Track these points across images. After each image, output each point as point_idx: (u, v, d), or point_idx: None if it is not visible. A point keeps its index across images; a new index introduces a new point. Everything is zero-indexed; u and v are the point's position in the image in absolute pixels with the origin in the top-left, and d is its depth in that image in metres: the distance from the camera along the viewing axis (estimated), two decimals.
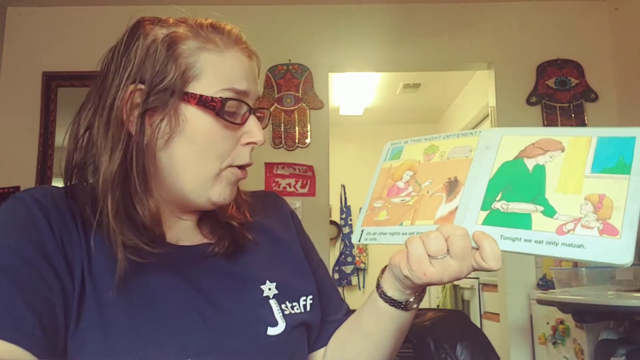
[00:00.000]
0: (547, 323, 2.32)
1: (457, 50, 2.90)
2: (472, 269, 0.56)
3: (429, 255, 0.55)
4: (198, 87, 0.62)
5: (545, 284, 2.52)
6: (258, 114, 0.68)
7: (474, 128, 3.99)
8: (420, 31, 2.91)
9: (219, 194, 0.64)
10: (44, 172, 2.74)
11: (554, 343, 2.24)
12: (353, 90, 4.24)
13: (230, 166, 0.64)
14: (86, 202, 0.61)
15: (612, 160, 0.55)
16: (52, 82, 2.81)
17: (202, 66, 0.63)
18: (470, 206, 0.59)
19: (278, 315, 0.66)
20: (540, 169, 0.58)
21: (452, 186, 0.61)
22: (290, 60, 2.82)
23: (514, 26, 2.88)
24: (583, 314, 1.84)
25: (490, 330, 3.06)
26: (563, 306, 1.90)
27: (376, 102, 4.58)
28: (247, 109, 0.65)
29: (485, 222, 0.57)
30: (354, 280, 5.00)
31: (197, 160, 0.62)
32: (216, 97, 0.62)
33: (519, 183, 0.58)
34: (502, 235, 0.55)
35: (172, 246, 0.66)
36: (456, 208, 0.59)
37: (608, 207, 0.52)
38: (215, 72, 0.63)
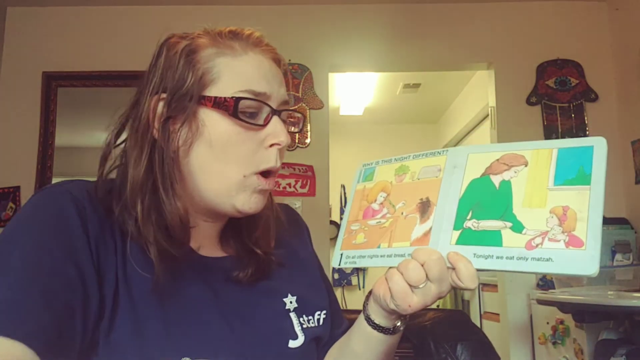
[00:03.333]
0: (547, 323, 2.32)
1: (457, 50, 2.90)
2: (450, 288, 0.58)
3: (410, 286, 0.57)
4: (214, 91, 0.62)
5: (545, 283, 2.52)
6: (290, 118, 0.68)
7: (474, 128, 4.00)
8: (420, 31, 2.91)
9: (243, 202, 0.63)
10: (44, 172, 2.74)
11: (554, 343, 2.24)
12: (353, 90, 4.24)
13: (255, 173, 0.63)
14: (118, 205, 0.61)
15: (573, 171, 0.57)
16: (52, 82, 2.81)
17: (219, 70, 0.63)
18: (444, 226, 0.60)
19: (298, 328, 0.68)
20: (506, 185, 0.59)
21: (425, 207, 0.63)
22: (290, 60, 2.82)
23: (514, 26, 2.88)
24: (583, 314, 1.84)
25: (490, 330, 3.06)
26: (563, 306, 1.90)
27: (376, 102, 4.58)
28: (269, 110, 0.64)
29: (459, 241, 0.59)
30: (354, 280, 5.00)
31: (218, 164, 0.62)
32: (229, 98, 0.62)
33: (487, 200, 0.59)
34: (475, 254, 0.57)
35: (197, 254, 0.67)
36: (430, 229, 0.61)
37: (572, 219, 0.54)
38: (232, 74, 0.63)
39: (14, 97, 2.81)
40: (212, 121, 0.62)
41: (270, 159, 0.64)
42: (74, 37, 2.86)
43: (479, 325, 3.18)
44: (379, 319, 0.63)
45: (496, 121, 2.82)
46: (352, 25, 2.91)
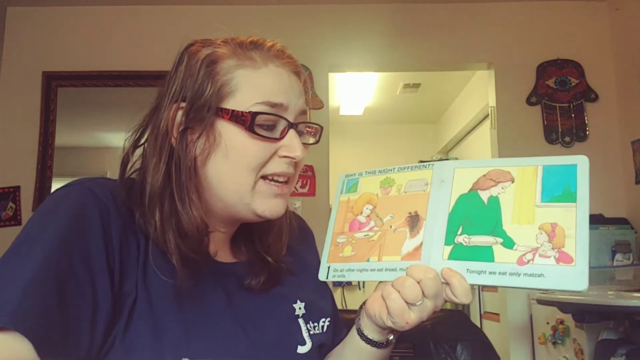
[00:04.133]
0: (547, 323, 2.31)
1: (457, 50, 2.90)
2: (444, 302, 0.60)
3: (407, 303, 0.58)
4: (232, 103, 0.63)
5: None
6: (307, 129, 0.69)
7: (474, 128, 3.99)
8: (420, 31, 2.91)
9: (263, 207, 0.65)
10: (44, 172, 2.74)
11: (554, 343, 2.24)
12: (353, 90, 4.24)
13: (264, 177, 0.65)
14: (138, 209, 0.62)
15: (559, 189, 0.59)
16: (52, 82, 2.81)
17: (238, 82, 0.64)
18: (435, 241, 0.61)
19: (305, 334, 0.70)
20: (494, 201, 0.61)
21: (414, 221, 0.64)
22: None
23: (514, 26, 2.88)
24: (583, 314, 1.84)
25: (490, 330, 3.06)
26: (563, 306, 1.90)
27: (376, 102, 4.58)
28: (286, 123, 0.65)
29: (451, 256, 0.60)
30: (354, 280, 5.00)
31: (233, 173, 0.64)
32: (246, 112, 0.62)
33: (477, 216, 0.60)
34: (468, 269, 0.58)
35: (213, 260, 0.68)
36: (421, 243, 0.62)
37: (561, 236, 0.56)
38: (250, 87, 0.64)
39: (14, 97, 2.81)
40: (229, 133, 0.63)
41: (280, 165, 0.65)
42: (74, 37, 2.86)
43: (479, 325, 3.18)
44: (372, 334, 0.65)
45: (496, 121, 2.82)
46: (352, 25, 2.91)
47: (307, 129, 0.70)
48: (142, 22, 2.86)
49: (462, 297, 0.57)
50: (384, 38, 2.89)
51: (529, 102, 2.79)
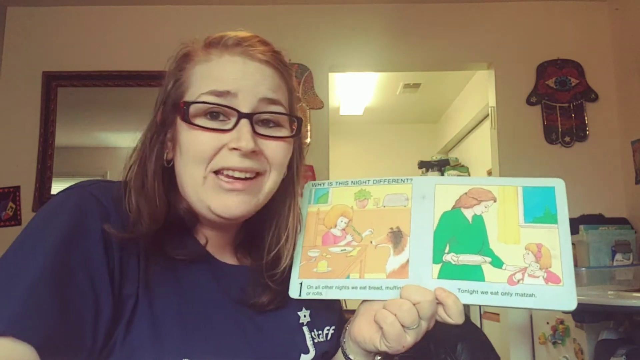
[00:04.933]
0: (547, 323, 2.31)
1: (457, 50, 2.90)
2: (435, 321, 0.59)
3: (403, 327, 0.56)
4: (186, 99, 0.63)
5: None
6: (272, 119, 0.64)
7: (474, 128, 3.99)
8: (420, 31, 2.91)
9: (214, 204, 0.62)
10: (44, 172, 2.74)
11: (554, 343, 2.24)
12: (353, 90, 4.24)
13: (217, 172, 0.62)
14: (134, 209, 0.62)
15: (540, 210, 0.61)
16: (52, 82, 2.81)
17: (194, 78, 0.64)
18: (423, 259, 0.60)
19: (309, 342, 0.68)
20: (479, 220, 0.61)
21: (397, 237, 0.62)
22: (290, 60, 2.82)
23: (514, 26, 2.88)
24: (583, 314, 1.83)
25: (490, 330, 3.06)
26: None
27: (376, 102, 4.58)
28: (235, 112, 0.62)
29: (441, 275, 0.59)
30: None
31: (185, 168, 0.63)
32: (182, 103, 0.62)
33: (463, 234, 0.61)
34: (459, 289, 0.58)
35: (216, 260, 0.67)
36: (407, 261, 0.61)
37: (547, 256, 0.58)
38: (200, 79, 0.63)
39: (14, 97, 2.81)
40: (179, 128, 0.63)
41: (227, 160, 0.61)
42: (74, 37, 2.86)
43: (479, 325, 3.18)
44: (359, 357, 0.63)
45: (496, 121, 2.82)
46: (352, 25, 2.91)
47: (272, 119, 0.65)
48: (142, 22, 2.86)
49: (456, 317, 0.57)
50: (384, 38, 2.89)
51: (529, 102, 2.78)
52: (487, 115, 3.00)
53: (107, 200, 0.60)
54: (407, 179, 0.66)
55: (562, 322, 2.18)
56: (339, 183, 0.69)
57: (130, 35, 2.84)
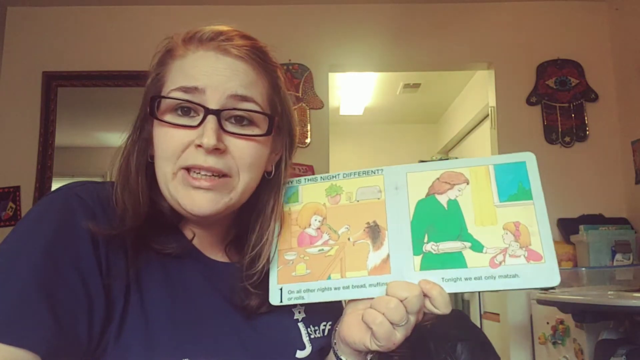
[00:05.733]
0: (547, 323, 2.31)
1: (457, 50, 2.90)
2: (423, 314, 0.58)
3: (392, 324, 0.56)
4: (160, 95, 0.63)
5: None
6: (237, 114, 0.62)
7: (474, 128, 3.99)
8: (420, 31, 2.91)
9: (183, 200, 0.61)
10: (44, 172, 2.74)
11: (554, 343, 2.24)
12: (353, 90, 4.24)
13: (181, 169, 0.61)
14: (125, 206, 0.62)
15: (513, 187, 0.59)
16: (52, 82, 2.81)
17: (170, 75, 0.63)
18: (402, 252, 0.59)
19: (305, 338, 0.68)
20: (454, 205, 0.60)
21: (375, 232, 0.61)
22: (290, 60, 2.82)
23: (514, 26, 2.88)
24: (583, 314, 1.83)
25: (490, 330, 3.06)
26: (563, 306, 1.90)
27: (376, 102, 4.58)
28: (203, 109, 0.60)
29: (423, 266, 0.58)
30: None
31: (158, 164, 0.63)
32: (150, 98, 0.62)
33: (440, 221, 0.60)
34: (443, 278, 0.57)
35: (206, 257, 0.67)
36: (388, 255, 0.59)
37: (526, 234, 0.57)
38: (174, 76, 0.63)
39: (14, 97, 2.81)
40: (154, 124, 0.63)
41: (192, 158, 0.60)
42: (74, 37, 2.86)
43: (479, 325, 3.18)
44: (351, 358, 0.63)
45: (496, 121, 2.82)
46: (352, 25, 2.91)
47: (247, 117, 0.62)
48: (142, 22, 2.86)
49: (443, 308, 0.56)
50: (384, 38, 2.89)
51: (529, 102, 2.78)
52: (487, 115, 3.00)
53: (93, 200, 0.59)
54: (377, 170, 0.64)
55: (562, 322, 2.19)
56: (308, 180, 0.66)
57: (130, 35, 2.84)
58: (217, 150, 0.60)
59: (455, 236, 0.58)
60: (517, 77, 2.81)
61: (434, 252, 0.58)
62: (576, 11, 2.86)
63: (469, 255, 0.57)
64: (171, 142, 0.60)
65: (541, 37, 2.84)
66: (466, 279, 0.56)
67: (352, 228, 0.62)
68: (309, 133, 2.82)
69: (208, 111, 0.60)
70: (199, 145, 0.59)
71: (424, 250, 0.59)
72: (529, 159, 0.60)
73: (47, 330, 0.49)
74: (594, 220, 2.51)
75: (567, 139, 2.72)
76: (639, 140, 2.56)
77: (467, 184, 0.60)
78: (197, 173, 0.60)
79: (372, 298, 0.58)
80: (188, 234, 0.67)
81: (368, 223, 0.61)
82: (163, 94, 0.62)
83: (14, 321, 0.48)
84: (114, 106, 2.83)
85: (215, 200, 0.61)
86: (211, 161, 0.59)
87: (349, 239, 0.61)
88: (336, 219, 0.63)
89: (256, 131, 0.63)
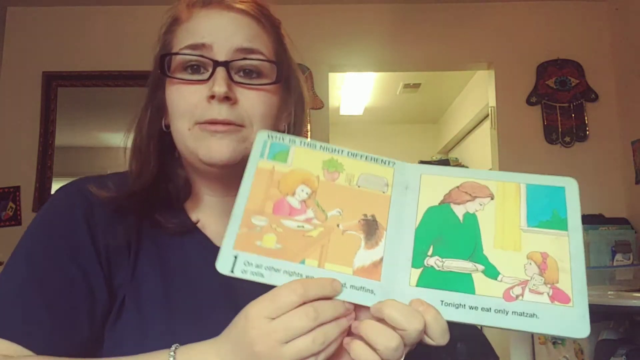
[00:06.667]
0: None
1: (457, 50, 2.90)
2: None
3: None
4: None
5: None
6: (243, 64, 0.63)
7: (474, 128, 3.99)
8: (420, 31, 2.91)
9: (202, 151, 0.61)
10: (44, 172, 2.74)
11: (554, 343, 2.24)
12: (353, 90, 4.24)
13: (197, 124, 0.62)
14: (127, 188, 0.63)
15: (547, 213, 0.52)
16: (52, 82, 2.81)
17: (177, 39, 0.65)
18: (400, 260, 0.50)
19: None
20: (472, 219, 0.52)
21: (371, 228, 0.52)
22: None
23: (514, 26, 2.88)
24: None
25: (490, 330, 3.05)
26: None
27: (376, 102, 4.58)
28: (211, 62, 0.61)
29: (420, 282, 0.49)
30: None
31: (174, 124, 0.64)
32: (160, 56, 0.63)
33: (451, 235, 0.51)
34: (443, 301, 0.48)
35: (209, 242, 0.67)
36: (381, 259, 0.50)
37: (553, 269, 0.48)
38: (181, 38, 0.64)
39: (14, 97, 2.81)
40: (166, 87, 0.65)
41: (206, 111, 0.60)
42: (74, 37, 2.86)
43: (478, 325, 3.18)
44: None
45: (496, 121, 2.82)
46: (352, 25, 2.91)
47: (254, 69, 0.63)
48: (142, 22, 2.86)
49: (438, 338, 0.46)
50: (384, 38, 2.89)
51: (529, 102, 2.78)
52: (487, 115, 3.00)
53: (95, 193, 0.60)
54: (389, 161, 0.56)
55: None
56: (305, 143, 0.56)
57: (130, 35, 2.84)
58: (229, 100, 0.60)
59: (466, 255, 0.50)
60: (517, 77, 2.81)
61: (436, 268, 0.50)
62: (576, 11, 2.86)
63: (480, 280, 0.48)
64: (184, 98, 0.62)
65: (541, 37, 2.84)
66: (471, 307, 0.47)
67: (344, 214, 0.52)
68: (309, 133, 2.82)
69: (217, 63, 0.61)
70: (212, 97, 0.60)
71: (425, 263, 0.50)
72: (570, 185, 0.53)
73: (40, 326, 0.51)
74: (594, 220, 2.51)
75: (567, 139, 2.72)
76: (639, 140, 2.56)
77: (492, 199, 0.53)
78: (213, 125, 0.61)
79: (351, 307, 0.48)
80: (193, 217, 0.68)
81: (365, 215, 0.52)
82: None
83: (9, 317, 0.51)
84: (114, 106, 2.83)
85: (232, 146, 0.61)
86: (224, 113, 0.60)
87: (338, 226, 0.52)
88: (328, 198, 0.53)
89: (265, 82, 0.64)
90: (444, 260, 0.50)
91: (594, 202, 2.61)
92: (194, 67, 0.62)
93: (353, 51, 2.91)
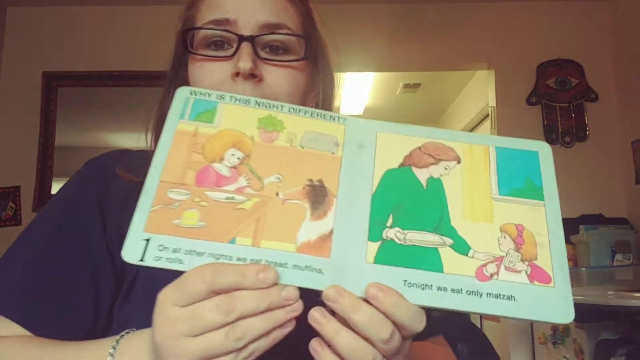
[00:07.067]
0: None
1: (457, 50, 2.90)
2: None
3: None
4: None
5: None
6: (269, 39, 0.59)
7: (474, 129, 3.99)
8: (420, 31, 2.91)
9: None
10: (44, 172, 2.74)
11: (554, 343, 2.24)
12: (353, 90, 4.24)
13: None
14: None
15: (519, 180, 0.46)
16: (52, 82, 2.81)
17: (200, 15, 0.63)
18: (353, 232, 0.43)
19: None
20: (436, 185, 0.45)
21: (319, 194, 0.44)
22: None
23: (514, 26, 2.88)
24: (583, 314, 1.84)
25: (490, 330, 3.06)
26: None
27: (376, 101, 4.58)
28: (236, 38, 0.58)
29: (379, 259, 0.41)
30: None
31: None
32: (181, 31, 0.62)
33: (414, 202, 0.44)
34: (406, 281, 0.40)
35: None
36: (331, 232, 0.42)
37: (531, 243, 0.43)
38: (204, 13, 0.62)
39: (14, 97, 2.81)
40: (189, 64, 0.63)
41: (235, 90, 0.57)
42: (74, 37, 2.86)
43: (479, 325, 3.18)
44: None
45: (496, 121, 2.82)
46: (352, 25, 2.91)
47: (280, 45, 0.60)
48: (142, 22, 2.86)
49: (409, 325, 0.38)
50: (384, 38, 2.89)
51: (529, 102, 2.79)
52: (487, 115, 3.00)
53: (114, 165, 0.60)
54: (339, 117, 0.49)
55: None
56: (237, 99, 0.48)
57: (130, 35, 2.84)
58: (254, 77, 0.57)
59: (432, 226, 0.43)
60: (517, 77, 2.81)
61: (397, 242, 0.42)
62: (576, 11, 2.87)
63: (448, 256, 0.42)
64: (207, 75, 0.59)
65: (541, 37, 2.84)
66: (440, 288, 0.40)
67: (285, 180, 0.44)
68: None
69: (242, 38, 0.58)
70: (236, 74, 0.57)
71: (384, 236, 0.43)
72: (543, 150, 0.49)
73: (40, 308, 0.52)
74: (594, 220, 2.51)
75: (567, 139, 2.72)
76: (639, 140, 2.56)
77: (458, 162, 0.47)
78: None
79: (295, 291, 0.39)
80: None
81: (311, 180, 0.44)
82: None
83: (11, 296, 0.52)
84: (114, 106, 2.83)
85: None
86: (249, 91, 0.57)
87: (277, 194, 0.43)
88: (265, 163, 0.45)
89: (292, 58, 0.61)
90: (405, 232, 0.43)
91: (594, 202, 2.61)
92: (218, 43, 0.59)
93: (353, 51, 2.91)
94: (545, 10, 2.87)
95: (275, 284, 0.38)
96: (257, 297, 0.37)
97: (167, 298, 0.37)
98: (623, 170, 2.67)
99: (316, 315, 0.38)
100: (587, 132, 2.73)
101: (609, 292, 1.85)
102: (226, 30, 0.58)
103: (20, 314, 0.51)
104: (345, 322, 0.38)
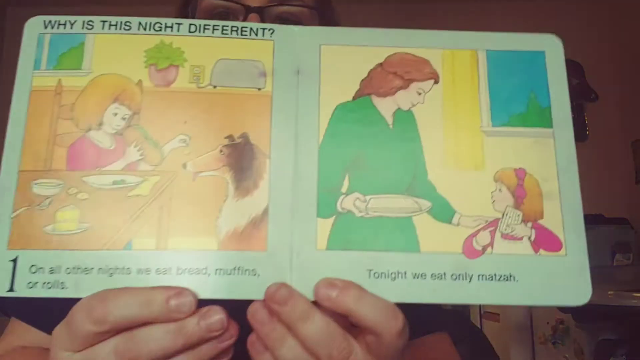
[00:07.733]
0: (547, 323, 2.32)
1: None
2: None
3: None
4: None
5: None
6: (280, 11, 0.53)
7: None
8: None
9: None
10: None
11: (554, 343, 2.24)
12: None
13: None
14: None
15: (521, 100, 0.33)
16: None
17: None
18: (297, 207, 0.30)
19: None
20: (407, 120, 0.32)
21: (244, 158, 0.31)
22: None
23: (514, 26, 2.87)
24: (583, 314, 1.84)
25: (490, 330, 3.06)
26: (563, 306, 1.90)
27: None
28: (243, 9, 0.52)
29: (332, 242, 0.30)
30: None
31: None
32: (180, 4, 0.59)
33: (377, 151, 0.31)
34: (371, 271, 0.29)
35: None
36: (265, 212, 0.30)
37: (534, 195, 0.31)
38: None
39: None
40: None
41: None
42: None
43: (479, 325, 3.18)
44: None
45: None
46: (352, 25, 2.90)
47: (291, 17, 0.54)
48: None
49: (381, 327, 0.28)
50: None
51: None
52: None
53: None
54: (263, 28, 0.34)
55: (562, 322, 2.19)
56: (112, 25, 0.33)
57: None
58: None
59: (403, 185, 0.31)
60: None
61: (357, 214, 0.30)
62: (576, 11, 2.86)
63: (426, 226, 0.30)
64: None
65: None
66: (416, 275, 0.29)
67: (193, 143, 0.31)
68: None
69: (249, 10, 0.50)
70: None
71: (339, 208, 0.30)
72: (552, 47, 0.36)
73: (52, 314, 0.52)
74: (594, 220, 2.50)
75: None
76: (639, 140, 2.56)
77: (436, 82, 0.33)
78: None
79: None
80: None
81: (231, 137, 0.31)
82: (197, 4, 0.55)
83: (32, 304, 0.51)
84: None
85: None
86: None
87: (184, 166, 0.31)
88: (161, 120, 0.31)
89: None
90: (367, 198, 0.30)
91: (594, 202, 2.61)
92: (223, 15, 0.53)
93: None
94: (546, 10, 2.87)
95: (194, 311, 0.27)
96: (168, 333, 0.27)
97: (57, 341, 0.28)
98: (623, 170, 2.67)
99: (261, 317, 0.28)
100: (587, 132, 2.73)
101: (609, 292, 1.85)
102: (232, 1, 0.51)
103: (40, 320, 0.50)
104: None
